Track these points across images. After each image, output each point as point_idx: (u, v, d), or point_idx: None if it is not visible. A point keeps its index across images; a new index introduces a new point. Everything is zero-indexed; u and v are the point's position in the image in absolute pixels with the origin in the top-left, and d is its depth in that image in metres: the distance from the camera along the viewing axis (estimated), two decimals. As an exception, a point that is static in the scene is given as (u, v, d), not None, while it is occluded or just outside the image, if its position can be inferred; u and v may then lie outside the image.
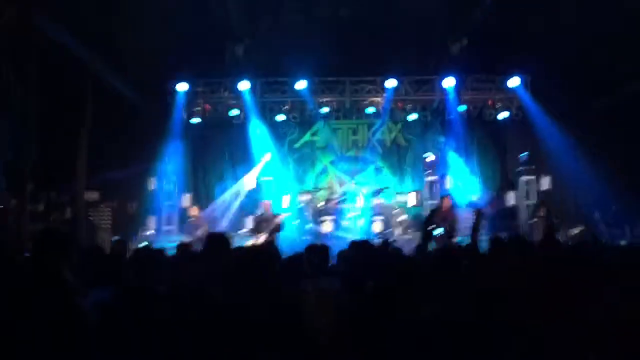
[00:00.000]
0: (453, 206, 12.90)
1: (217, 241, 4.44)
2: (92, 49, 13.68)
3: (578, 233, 14.16)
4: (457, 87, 16.01)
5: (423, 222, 9.34)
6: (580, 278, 3.84)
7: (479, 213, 6.29)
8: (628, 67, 13.76)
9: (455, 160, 16.68)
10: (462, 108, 16.34)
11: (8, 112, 12.30)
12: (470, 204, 14.96)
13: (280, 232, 12.60)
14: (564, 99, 15.27)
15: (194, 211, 13.66)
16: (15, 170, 12.51)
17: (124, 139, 15.24)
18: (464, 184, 16.40)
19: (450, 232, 11.85)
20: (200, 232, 12.74)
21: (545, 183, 15.74)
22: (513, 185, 16.37)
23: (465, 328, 3.04)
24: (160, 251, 5.79)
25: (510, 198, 16.08)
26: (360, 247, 6.21)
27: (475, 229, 6.12)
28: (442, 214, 12.16)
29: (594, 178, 14.52)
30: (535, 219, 14.55)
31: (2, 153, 12.13)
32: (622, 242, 12.63)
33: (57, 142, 14.10)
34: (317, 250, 5.10)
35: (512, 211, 15.73)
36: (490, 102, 16.34)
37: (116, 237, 11.83)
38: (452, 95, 16.10)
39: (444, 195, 13.49)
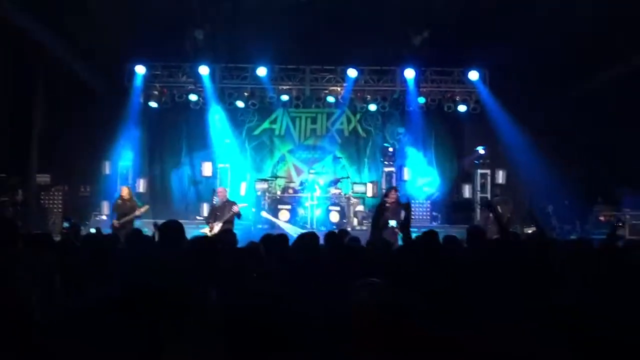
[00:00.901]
0: (399, 198, 12.93)
1: (172, 229, 4.34)
2: (45, 28, 13.31)
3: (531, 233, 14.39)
4: (417, 79, 16.06)
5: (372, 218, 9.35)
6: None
7: (407, 206, 6.38)
8: (584, 63, 14.01)
9: (413, 152, 16.78)
10: (422, 100, 16.40)
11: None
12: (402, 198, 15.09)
13: (237, 221, 12.49)
14: (521, 93, 15.50)
15: (124, 192, 13.21)
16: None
17: (79, 122, 14.90)
18: (421, 176, 16.51)
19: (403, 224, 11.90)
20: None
21: (500, 177, 15.94)
22: (469, 178, 16.53)
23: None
24: (113, 237, 5.65)
25: (466, 190, 16.24)
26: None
27: (405, 222, 6.22)
28: (390, 208, 12.26)
29: (548, 173, 14.76)
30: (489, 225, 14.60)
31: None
32: (572, 237, 12.87)
33: (9, 124, 13.73)
34: (275, 240, 5.03)
35: (468, 204, 15.90)
36: (449, 95, 16.44)
37: (66, 223, 11.54)
38: (412, 87, 16.14)
39: (390, 187, 13.52)
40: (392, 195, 11.77)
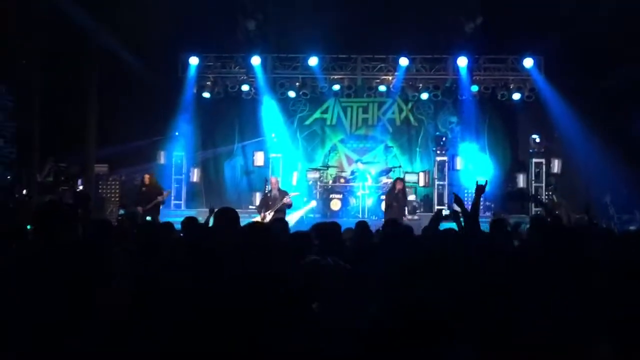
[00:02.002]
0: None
1: (227, 216, 4.41)
2: (99, 20, 13.62)
3: (579, 218, 14.06)
4: (470, 67, 15.82)
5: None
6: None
7: (479, 189, 5.63)
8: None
9: (466, 140, 16.57)
10: (475, 88, 16.17)
11: (13, 81, 12.31)
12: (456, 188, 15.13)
13: (289, 210, 12.59)
14: (577, 80, 15.09)
15: (146, 179, 13.45)
16: (23, 140, 12.55)
17: (134, 112, 15.22)
18: (475, 165, 16.29)
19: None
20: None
21: (556, 166, 15.62)
22: (523, 167, 16.25)
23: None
24: (168, 225, 5.75)
25: (520, 180, 15.97)
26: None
27: (474, 205, 5.49)
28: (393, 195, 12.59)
29: (606, 162, 14.37)
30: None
31: (9, 124, 12.15)
32: (632, 228, 12.52)
33: (66, 115, 14.12)
34: (325, 228, 5.04)
35: (523, 193, 15.62)
36: (502, 83, 16.16)
37: (122, 211, 11.85)
38: (464, 75, 15.92)
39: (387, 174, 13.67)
40: (398, 185, 12.12)
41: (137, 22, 13.64)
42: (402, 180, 13.30)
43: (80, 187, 14.02)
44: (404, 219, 12.60)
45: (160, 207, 13.06)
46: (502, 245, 5.32)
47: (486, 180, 5.60)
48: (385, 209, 12.89)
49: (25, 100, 12.72)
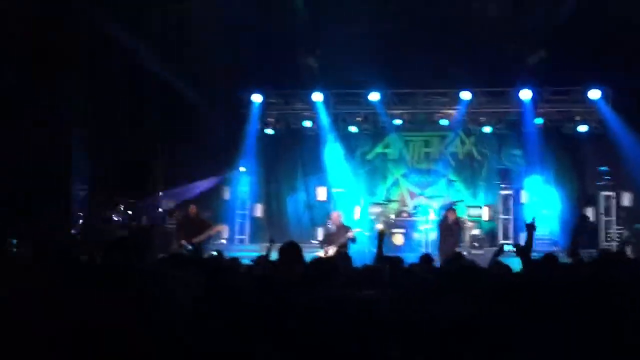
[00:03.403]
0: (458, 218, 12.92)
1: (291, 250, 4.48)
2: (165, 59, 14.08)
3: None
4: (534, 99, 15.62)
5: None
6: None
7: (530, 228, 5.94)
8: None
9: (531, 174, 16.28)
10: (539, 121, 15.92)
11: (86, 124, 12.83)
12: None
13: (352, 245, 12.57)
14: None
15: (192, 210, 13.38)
16: (95, 179, 13.02)
17: (199, 149, 15.60)
18: (541, 199, 15.95)
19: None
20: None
21: (626, 199, 15.16)
22: (592, 201, 15.81)
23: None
24: (234, 260, 5.87)
25: (589, 214, 15.53)
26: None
27: (527, 242, 5.81)
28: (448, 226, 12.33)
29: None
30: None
31: (83, 163, 12.64)
32: None
33: (135, 153, 14.59)
34: (389, 261, 5.05)
35: (592, 227, 15.18)
36: (568, 115, 15.86)
37: (190, 246, 12.03)
38: (528, 108, 15.72)
39: (448, 207, 13.41)
40: (450, 215, 11.87)
41: (200, 60, 14.07)
42: (454, 210, 13.06)
43: (144, 223, 14.39)
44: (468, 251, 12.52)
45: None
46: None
47: (534, 217, 5.80)
48: (440, 241, 12.77)
49: (99, 141, 13.24)
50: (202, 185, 15.70)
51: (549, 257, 5.48)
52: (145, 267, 3.63)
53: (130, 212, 14.08)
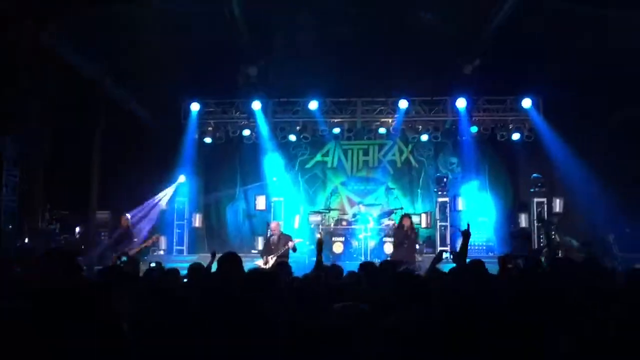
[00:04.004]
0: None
1: (230, 261, 4.41)
2: (103, 69, 13.81)
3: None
4: (469, 108, 15.96)
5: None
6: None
7: (465, 234, 6.20)
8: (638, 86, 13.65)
9: (467, 181, 16.62)
10: (474, 129, 16.27)
11: (19, 133, 12.42)
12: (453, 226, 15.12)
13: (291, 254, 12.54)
14: (576, 119, 15.20)
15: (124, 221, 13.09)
16: (26, 191, 12.60)
17: (136, 159, 15.31)
18: (477, 205, 16.29)
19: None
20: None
21: (558, 205, 15.60)
22: (525, 207, 16.23)
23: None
24: (174, 271, 5.75)
25: (522, 220, 15.94)
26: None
27: (461, 248, 6.10)
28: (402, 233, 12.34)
29: (607, 200, 14.36)
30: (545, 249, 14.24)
31: (12, 173, 12.22)
32: (638, 266, 12.43)
33: (69, 163, 14.21)
34: (330, 271, 5.04)
35: (526, 232, 15.57)
36: (502, 124, 16.25)
37: (124, 257, 11.75)
38: (464, 116, 16.05)
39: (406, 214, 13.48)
40: (405, 222, 11.93)
41: (139, 69, 13.82)
42: (410, 216, 13.04)
43: (77, 236, 14.01)
44: (417, 257, 12.51)
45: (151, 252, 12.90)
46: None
47: (468, 224, 6.01)
48: (395, 248, 12.63)
49: (29, 150, 12.83)
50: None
51: (475, 263, 5.63)
52: (80, 279, 3.51)
53: (62, 224, 13.68)
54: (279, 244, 11.94)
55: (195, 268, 5.87)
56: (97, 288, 3.04)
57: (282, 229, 12.84)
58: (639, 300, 4.51)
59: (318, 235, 11.30)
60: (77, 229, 14.32)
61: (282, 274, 5.39)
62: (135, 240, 12.65)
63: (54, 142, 13.42)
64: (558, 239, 14.93)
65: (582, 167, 15.00)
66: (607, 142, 15.33)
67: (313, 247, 14.70)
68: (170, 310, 3.42)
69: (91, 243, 14.29)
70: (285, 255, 11.76)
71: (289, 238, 12.00)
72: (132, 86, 14.67)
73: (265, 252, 12.12)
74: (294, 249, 11.94)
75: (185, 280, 5.84)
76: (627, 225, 14.41)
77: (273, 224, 12.95)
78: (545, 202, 15.73)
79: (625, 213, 14.21)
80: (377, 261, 13.46)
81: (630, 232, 14.39)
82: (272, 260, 11.64)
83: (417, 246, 13.36)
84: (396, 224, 15.07)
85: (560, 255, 13.33)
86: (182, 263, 10.35)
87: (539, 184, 15.71)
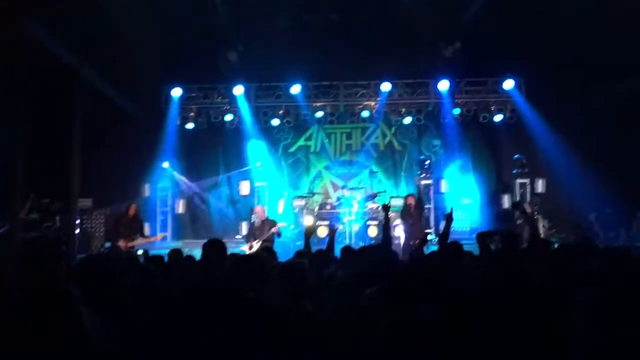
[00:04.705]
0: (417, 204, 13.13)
1: (215, 247, 4.38)
2: (81, 54, 13.61)
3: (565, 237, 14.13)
4: (451, 90, 15.96)
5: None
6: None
7: (448, 218, 6.41)
8: (622, 68, 13.73)
9: (450, 163, 16.67)
10: (457, 111, 16.30)
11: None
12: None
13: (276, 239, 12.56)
14: (558, 100, 15.28)
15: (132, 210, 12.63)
16: (6, 179, 12.42)
17: (118, 146, 15.16)
18: (460, 188, 16.37)
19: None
20: None
21: (540, 186, 15.70)
22: (508, 188, 16.32)
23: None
24: (158, 258, 5.72)
25: (505, 201, 16.03)
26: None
27: (445, 233, 6.29)
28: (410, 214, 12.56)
29: (589, 180, 14.48)
30: (520, 221, 14.33)
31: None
32: (618, 245, 12.58)
33: (49, 150, 14.03)
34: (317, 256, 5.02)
35: (509, 213, 15.66)
36: (484, 105, 16.29)
37: (108, 243, 11.69)
38: (446, 99, 16.06)
39: (409, 194, 13.70)
40: (409, 201, 12.03)
41: (119, 55, 13.65)
42: (413, 195, 13.36)
43: (57, 225, 13.88)
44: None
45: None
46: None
47: (452, 208, 6.18)
48: (408, 230, 12.91)
49: (7, 136, 12.63)
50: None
51: (454, 244, 5.75)
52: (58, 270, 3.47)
53: (43, 213, 13.54)
54: (263, 229, 11.94)
55: (175, 252, 5.88)
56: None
57: (266, 214, 12.83)
58: (618, 278, 4.57)
59: (307, 224, 11.31)
60: (58, 218, 14.17)
61: (267, 259, 5.37)
62: (139, 233, 12.44)
63: (33, 130, 13.22)
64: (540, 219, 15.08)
65: (564, 147, 15.12)
66: (589, 122, 15.42)
67: (298, 231, 14.80)
68: (154, 298, 3.40)
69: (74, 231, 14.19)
70: (270, 240, 11.77)
71: (273, 223, 12.00)
72: (111, 72, 14.47)
73: (249, 237, 12.11)
74: (279, 234, 11.95)
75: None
76: (608, 205, 14.55)
77: (257, 208, 12.95)
78: (528, 183, 15.85)
79: (607, 193, 14.34)
80: (361, 244, 13.65)
81: (611, 212, 14.54)
82: (257, 245, 11.64)
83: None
84: (380, 208, 15.18)
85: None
86: (166, 250, 10.31)
87: (522, 165, 15.79)
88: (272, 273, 4.17)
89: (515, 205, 13.94)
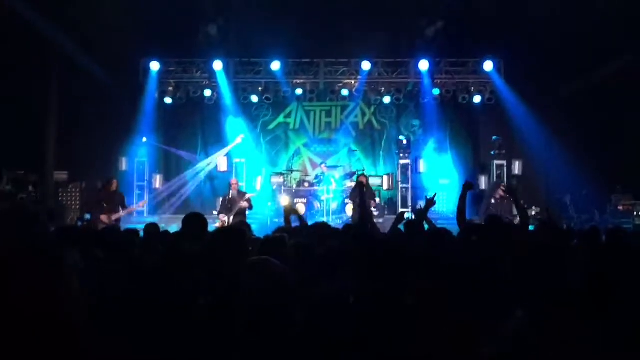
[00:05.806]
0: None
1: (194, 221, 4.36)
2: (58, 26, 13.38)
3: (535, 215, 14.21)
4: (431, 71, 15.97)
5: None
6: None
7: (430, 201, 6.45)
8: (600, 49, 13.81)
9: (428, 143, 16.73)
10: (436, 92, 16.32)
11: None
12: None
13: (250, 211, 12.57)
14: (536, 82, 15.37)
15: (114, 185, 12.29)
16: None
17: (95, 119, 14.97)
18: (438, 168, 16.45)
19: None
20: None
21: (517, 167, 15.83)
22: (485, 169, 16.42)
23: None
24: (133, 231, 5.67)
25: (483, 182, 16.13)
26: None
27: (424, 210, 6.36)
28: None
29: (566, 163, 14.62)
30: (494, 200, 14.39)
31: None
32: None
33: (25, 122, 13.81)
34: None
35: (486, 194, 15.75)
36: (463, 86, 16.34)
37: (87, 215, 11.57)
38: (426, 79, 16.06)
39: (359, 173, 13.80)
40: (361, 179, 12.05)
41: (97, 27, 13.44)
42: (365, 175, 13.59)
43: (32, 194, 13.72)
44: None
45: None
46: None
47: (435, 194, 6.22)
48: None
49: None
50: None
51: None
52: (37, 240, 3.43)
53: (16, 184, 13.34)
54: (235, 202, 11.94)
55: (151, 226, 5.85)
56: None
57: (239, 187, 12.87)
58: (593, 257, 4.64)
59: (284, 204, 11.29)
60: (30, 188, 13.95)
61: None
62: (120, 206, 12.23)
63: (6, 101, 12.99)
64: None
65: (541, 130, 15.25)
66: (567, 106, 15.57)
67: (276, 208, 14.78)
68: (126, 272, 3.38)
69: (50, 203, 14.04)
70: (242, 213, 11.77)
71: (244, 195, 12.01)
72: (89, 44, 14.25)
73: (222, 210, 12.08)
74: (250, 206, 11.95)
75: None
76: (584, 187, 14.72)
77: (232, 181, 12.99)
78: (505, 164, 15.96)
79: (582, 175, 14.50)
80: (339, 223, 13.68)
81: (586, 194, 14.72)
82: (231, 219, 11.63)
83: (375, 205, 13.71)
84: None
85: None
86: (141, 225, 10.25)
87: (499, 146, 15.88)
88: (251, 247, 4.17)
89: (511, 189, 14.07)
